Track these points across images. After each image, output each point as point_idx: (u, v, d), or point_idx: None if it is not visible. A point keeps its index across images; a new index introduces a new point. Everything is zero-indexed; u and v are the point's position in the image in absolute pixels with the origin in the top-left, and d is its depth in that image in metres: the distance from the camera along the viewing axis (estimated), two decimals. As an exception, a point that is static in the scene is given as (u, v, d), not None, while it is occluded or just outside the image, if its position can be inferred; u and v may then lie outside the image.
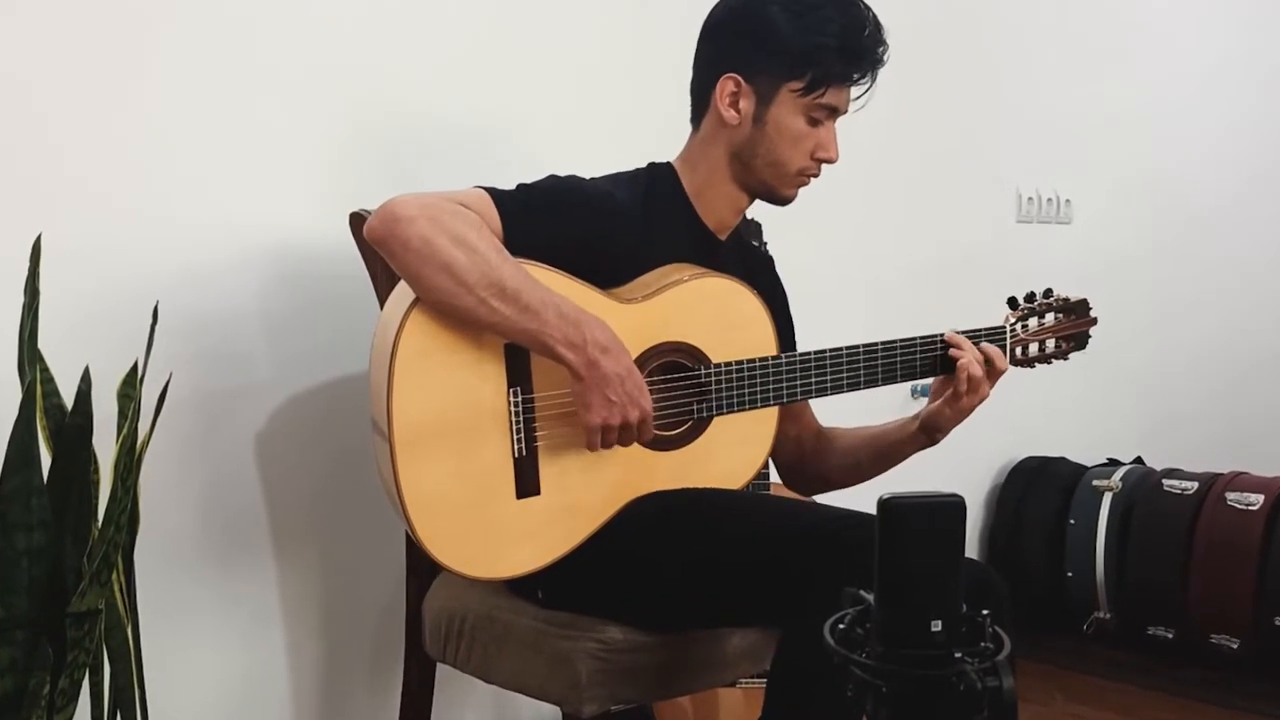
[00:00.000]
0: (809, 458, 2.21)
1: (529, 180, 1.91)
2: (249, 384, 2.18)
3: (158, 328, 1.79)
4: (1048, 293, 2.15)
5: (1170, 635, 3.52)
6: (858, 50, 1.93)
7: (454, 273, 1.69)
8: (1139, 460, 3.98)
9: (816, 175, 2.01)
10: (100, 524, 1.70)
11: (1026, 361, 2.13)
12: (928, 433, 2.08)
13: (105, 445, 1.74)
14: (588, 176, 1.96)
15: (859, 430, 2.19)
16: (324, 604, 2.32)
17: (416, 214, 1.70)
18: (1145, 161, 4.33)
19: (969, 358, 2.00)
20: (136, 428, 1.73)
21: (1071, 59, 4.01)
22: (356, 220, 1.99)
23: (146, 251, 2.03)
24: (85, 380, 1.71)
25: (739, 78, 1.94)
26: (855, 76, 1.95)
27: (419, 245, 1.69)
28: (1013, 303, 2.13)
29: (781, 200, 2.03)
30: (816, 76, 1.91)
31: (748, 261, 2.15)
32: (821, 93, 1.92)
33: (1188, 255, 4.54)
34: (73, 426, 1.70)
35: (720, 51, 1.98)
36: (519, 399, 1.79)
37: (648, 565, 1.87)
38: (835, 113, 1.97)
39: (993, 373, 2.02)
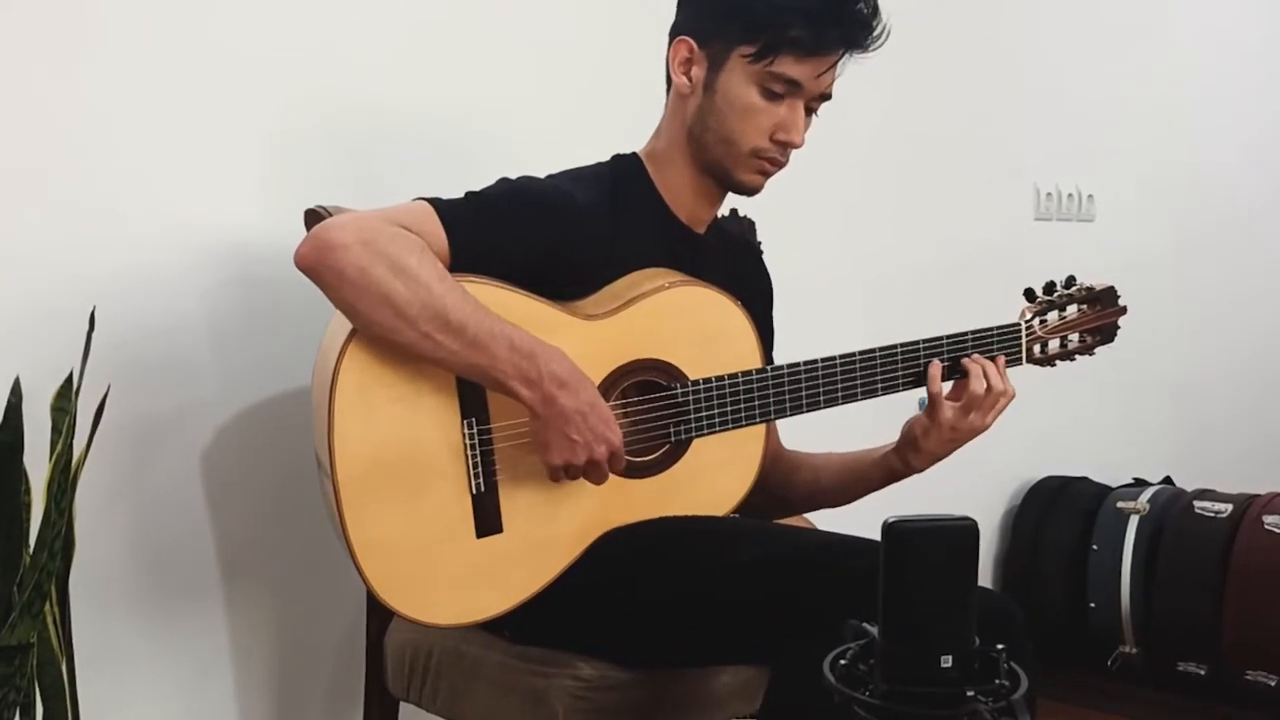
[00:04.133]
0: (766, 476, 2.15)
1: (500, 172, 1.91)
2: (194, 398, 2.18)
3: (95, 336, 1.80)
4: (1069, 281, 2.12)
5: (1202, 672, 3.53)
6: (822, 18, 1.88)
7: (393, 305, 1.67)
8: (1168, 480, 4.00)
9: (779, 161, 1.97)
10: (32, 550, 1.71)
11: (1047, 360, 2.11)
12: (901, 453, 2.06)
13: (37, 464, 1.75)
14: (545, 175, 1.95)
15: (832, 454, 2.18)
16: (276, 639, 2.32)
17: (351, 240, 1.68)
18: (1175, 153, 4.35)
19: (978, 369, 2.00)
20: (71, 445, 1.73)
21: (1095, 40, 4.03)
22: (312, 218, 1.98)
23: (83, 252, 2.02)
24: (15, 393, 1.72)
25: (692, 42, 1.94)
26: (817, 49, 1.89)
27: (354, 275, 1.68)
28: (1030, 295, 2.11)
29: (740, 186, 2.00)
30: (769, 41, 1.87)
31: (732, 255, 2.15)
32: (771, 60, 1.88)
33: (1221, 255, 4.56)
34: (1, 444, 1.70)
35: (681, 14, 1.99)
36: (474, 430, 1.79)
37: (625, 597, 1.87)
38: (797, 88, 1.91)
39: (990, 396, 2.00)
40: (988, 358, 2.03)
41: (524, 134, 2.55)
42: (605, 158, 2.05)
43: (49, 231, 1.99)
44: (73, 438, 1.74)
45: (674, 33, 1.98)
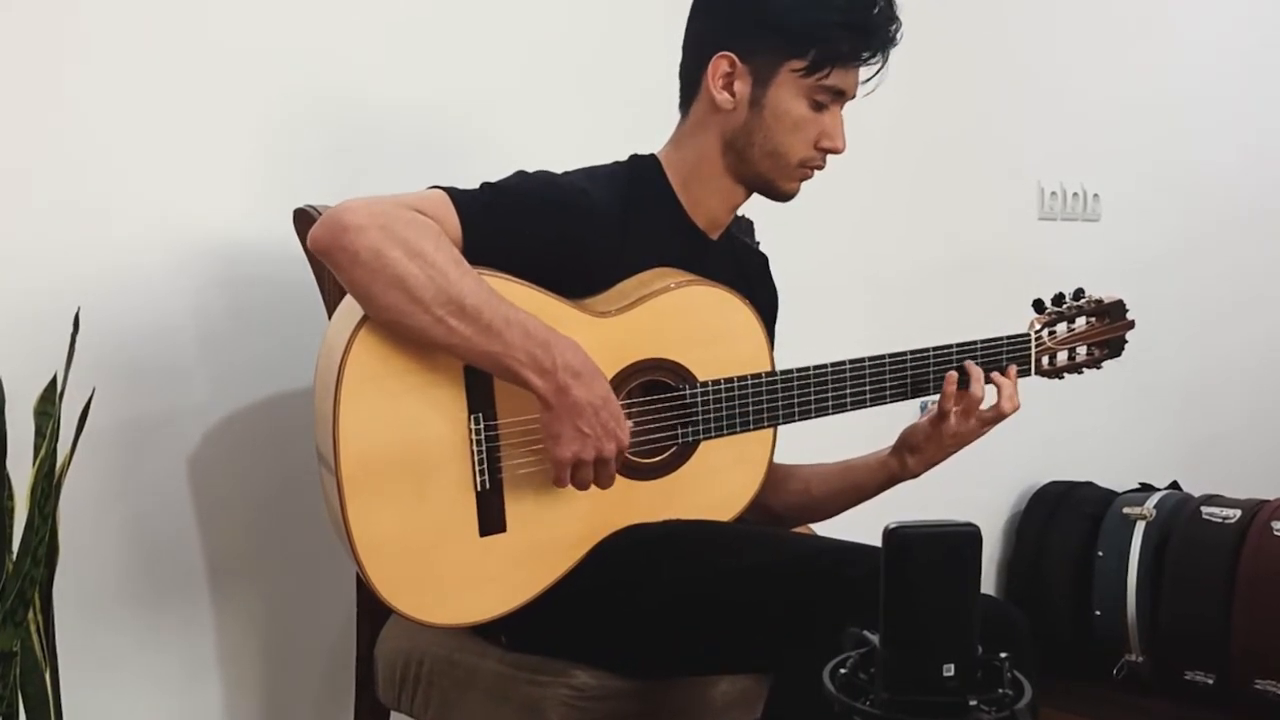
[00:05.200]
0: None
1: (494, 172, 1.91)
2: (181, 400, 2.18)
3: (80, 337, 1.79)
4: (1078, 294, 2.15)
5: (1210, 681, 3.53)
6: (868, 26, 1.93)
7: (407, 288, 1.68)
8: (1175, 485, 4.00)
9: (821, 167, 2.01)
10: (15, 556, 1.71)
11: (1054, 372, 2.14)
12: (899, 454, 2.09)
13: (20, 468, 1.75)
14: (560, 171, 1.95)
15: (822, 464, 2.20)
16: (265, 647, 2.32)
17: (366, 222, 1.68)
18: (1181, 152, 4.35)
19: (979, 374, 2.02)
20: (56, 449, 1.73)
21: (1100, 38, 4.03)
22: (302, 217, 1.99)
23: (68, 252, 2.03)
24: (-2, 395, 1.72)
25: (734, 56, 1.94)
26: (865, 56, 1.95)
27: (368, 258, 1.68)
28: (1039, 305, 2.14)
29: (781, 195, 2.03)
30: (821, 55, 1.91)
31: (742, 262, 2.16)
32: (826, 73, 1.92)
33: (1229, 256, 4.56)
34: (-16, 448, 1.70)
35: (713, 27, 1.99)
36: (480, 427, 1.79)
37: (623, 603, 1.87)
38: (842, 97, 1.97)
39: (996, 411, 2.04)
40: (1000, 369, 2.06)
41: (518, 132, 2.55)
42: (604, 154, 2.05)
43: (33, 231, 1.99)
44: (57, 441, 1.74)
45: (705, 46, 1.97)
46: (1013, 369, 2.07)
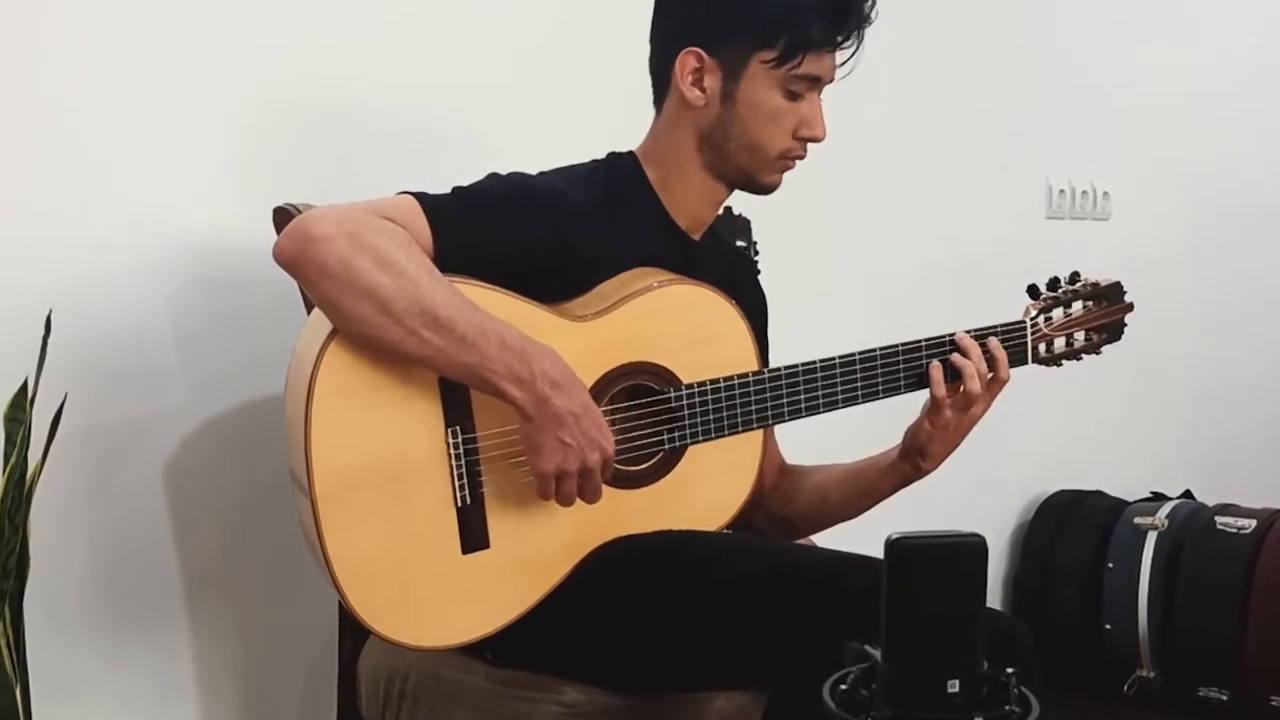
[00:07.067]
0: (769, 495, 2.20)
1: (480, 170, 1.91)
2: (158, 406, 2.18)
3: (51, 340, 1.79)
4: (1074, 278, 2.14)
5: (1225, 697, 3.53)
6: (839, 8, 1.91)
7: (378, 300, 1.67)
8: (1187, 494, 4.00)
9: (802, 157, 2.00)
10: (-16, 569, 1.71)
11: (1052, 359, 2.13)
12: (909, 458, 2.08)
13: (-10, 477, 1.75)
14: (536, 172, 1.95)
15: (835, 465, 2.20)
16: (243, 662, 2.32)
17: (333, 231, 1.68)
18: (1193, 149, 4.35)
19: (971, 368, 2.02)
20: (26, 457, 1.73)
21: (1109, 31, 4.03)
22: (282, 216, 1.98)
23: (39, 251, 2.02)
24: (-34, 402, 1.72)
25: (701, 51, 1.94)
26: (838, 40, 1.93)
27: (337, 268, 1.67)
28: (1033, 291, 2.13)
29: (763, 189, 2.03)
30: (791, 43, 1.89)
31: (728, 266, 2.15)
32: (798, 62, 1.90)
33: (1243, 255, 4.57)
34: (-48, 456, 1.70)
35: (678, 21, 1.98)
36: (458, 440, 1.79)
37: (614, 616, 1.87)
38: (818, 83, 1.95)
39: (992, 384, 2.03)
40: (986, 356, 2.04)
41: (504, 128, 2.55)
42: (590, 152, 2.05)
43: (2, 230, 1.99)
44: (28, 449, 1.74)
45: (672, 41, 1.97)
46: (993, 340, 2.05)
